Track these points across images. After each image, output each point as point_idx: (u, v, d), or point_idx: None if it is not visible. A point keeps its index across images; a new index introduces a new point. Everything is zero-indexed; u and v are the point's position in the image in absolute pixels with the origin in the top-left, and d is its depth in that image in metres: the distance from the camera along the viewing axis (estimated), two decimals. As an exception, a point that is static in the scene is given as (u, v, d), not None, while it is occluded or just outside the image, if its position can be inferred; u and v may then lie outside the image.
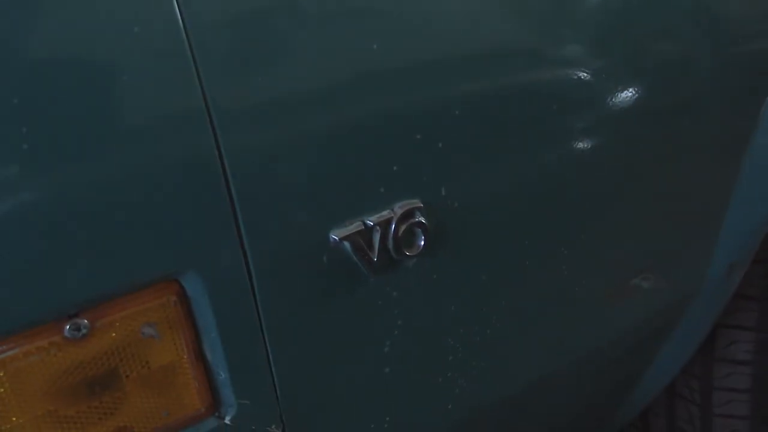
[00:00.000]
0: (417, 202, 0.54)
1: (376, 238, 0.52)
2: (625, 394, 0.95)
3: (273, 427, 0.53)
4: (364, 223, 0.52)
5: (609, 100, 0.65)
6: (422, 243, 0.54)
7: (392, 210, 0.53)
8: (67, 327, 0.42)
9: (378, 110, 0.51)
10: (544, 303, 0.68)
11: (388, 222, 0.53)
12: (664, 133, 0.72)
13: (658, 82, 0.69)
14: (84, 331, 0.43)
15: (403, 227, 0.53)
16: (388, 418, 0.61)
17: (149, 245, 0.43)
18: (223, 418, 0.51)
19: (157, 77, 0.42)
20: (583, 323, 0.74)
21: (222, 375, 0.49)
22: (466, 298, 0.60)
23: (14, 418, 0.42)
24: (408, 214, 0.53)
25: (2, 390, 0.41)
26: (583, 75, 0.62)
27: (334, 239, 0.51)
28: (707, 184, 0.83)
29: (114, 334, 0.44)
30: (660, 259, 0.79)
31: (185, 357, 0.47)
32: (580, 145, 0.64)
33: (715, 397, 1.01)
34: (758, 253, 0.93)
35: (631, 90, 0.66)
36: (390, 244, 0.53)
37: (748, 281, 0.98)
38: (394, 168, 0.52)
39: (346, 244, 0.51)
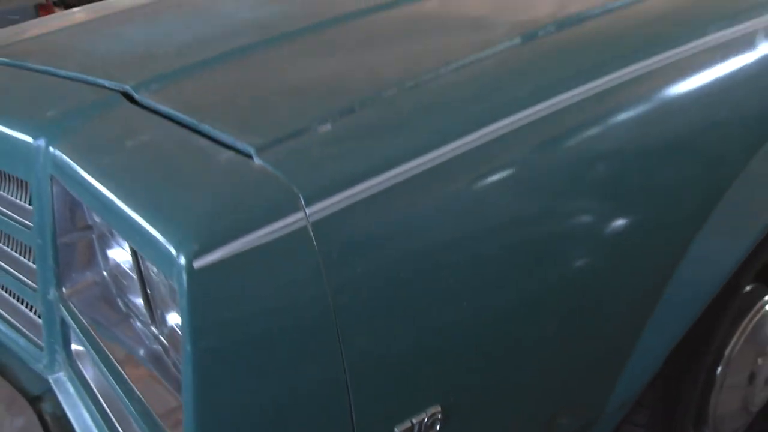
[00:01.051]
0: (438, 408, 1.04)
1: (416, 429, 1.03)
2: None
3: None
4: (411, 422, 1.02)
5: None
6: (438, 428, 1.05)
7: (426, 412, 1.03)
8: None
9: (428, 362, 1.01)
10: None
11: (422, 420, 1.03)
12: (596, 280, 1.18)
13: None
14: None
15: (429, 421, 1.04)
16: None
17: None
18: None
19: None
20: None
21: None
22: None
23: None
24: (432, 415, 1.04)
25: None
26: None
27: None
28: (620, 330, 1.30)
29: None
30: (576, 402, 1.30)
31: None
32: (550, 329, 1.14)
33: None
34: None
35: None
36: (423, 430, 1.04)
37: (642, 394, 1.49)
38: (430, 393, 1.03)
39: (401, 433, 1.02)
